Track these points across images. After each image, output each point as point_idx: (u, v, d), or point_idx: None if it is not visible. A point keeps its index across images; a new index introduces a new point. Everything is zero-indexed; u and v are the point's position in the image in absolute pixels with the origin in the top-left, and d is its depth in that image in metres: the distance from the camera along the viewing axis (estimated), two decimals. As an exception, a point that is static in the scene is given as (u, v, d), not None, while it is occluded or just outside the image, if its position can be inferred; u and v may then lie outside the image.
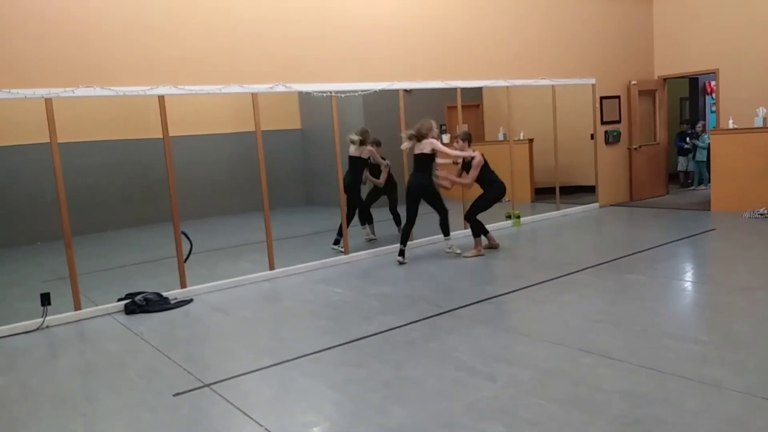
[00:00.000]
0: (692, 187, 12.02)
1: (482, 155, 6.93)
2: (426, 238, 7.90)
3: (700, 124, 12.17)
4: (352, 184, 7.65)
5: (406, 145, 6.83)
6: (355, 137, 7.60)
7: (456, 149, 6.98)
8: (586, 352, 3.87)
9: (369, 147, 7.72)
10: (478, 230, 7.05)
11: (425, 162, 6.78)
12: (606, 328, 4.34)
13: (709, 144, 11.48)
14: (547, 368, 3.70)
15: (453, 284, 6.02)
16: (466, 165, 6.99)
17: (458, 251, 7.03)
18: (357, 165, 7.70)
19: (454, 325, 4.61)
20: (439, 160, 7.08)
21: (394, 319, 4.81)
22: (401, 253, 6.85)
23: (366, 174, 7.92)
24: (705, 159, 11.74)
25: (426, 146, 6.71)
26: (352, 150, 7.66)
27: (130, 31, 5.78)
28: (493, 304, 5.14)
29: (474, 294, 5.43)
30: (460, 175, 7.13)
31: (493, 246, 7.22)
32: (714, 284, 5.45)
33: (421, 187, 6.79)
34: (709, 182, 11.58)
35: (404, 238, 6.94)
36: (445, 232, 7.05)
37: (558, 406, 3.16)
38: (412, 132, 6.74)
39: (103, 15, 5.64)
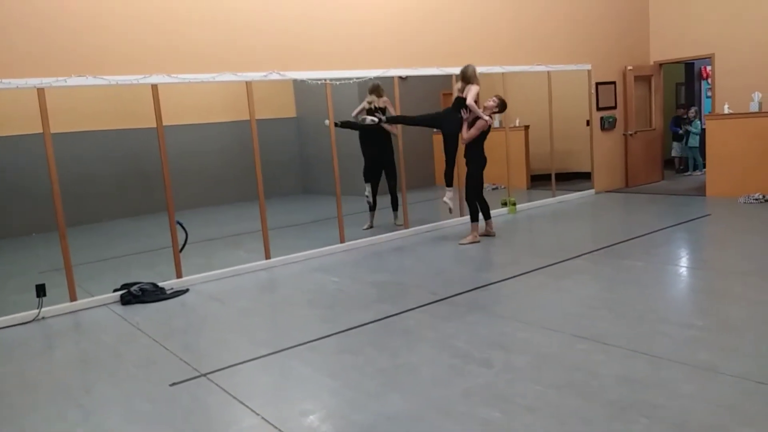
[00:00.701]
0: (687, 173, 12.02)
1: (489, 125, 6.87)
2: (421, 226, 7.90)
3: (692, 110, 12.15)
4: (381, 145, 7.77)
5: (458, 86, 7.03)
6: (370, 97, 7.68)
7: (489, 105, 6.99)
8: (581, 337, 3.88)
9: (384, 98, 7.70)
10: (477, 214, 6.98)
11: (463, 106, 6.84)
12: (602, 313, 4.35)
13: (702, 129, 11.52)
14: (543, 354, 3.71)
15: (449, 271, 6.02)
16: (471, 123, 6.88)
17: (451, 205, 7.10)
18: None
19: (450, 312, 4.62)
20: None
21: (391, 307, 4.81)
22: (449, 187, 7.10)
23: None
24: (698, 144, 11.75)
25: (467, 92, 6.81)
26: (368, 105, 7.67)
27: (123, 19, 5.73)
28: (489, 291, 5.14)
29: (470, 281, 5.44)
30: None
31: (488, 234, 7.21)
32: (709, 269, 5.47)
33: (457, 127, 6.91)
34: (704, 167, 11.62)
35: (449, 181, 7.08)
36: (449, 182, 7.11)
37: (554, 392, 3.17)
38: (460, 78, 6.94)
39: (95, 3, 5.58)
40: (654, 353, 3.55)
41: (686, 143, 12.06)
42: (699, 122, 11.83)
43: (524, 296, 5.07)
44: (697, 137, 11.75)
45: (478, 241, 6.96)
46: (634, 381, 3.22)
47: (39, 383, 3.89)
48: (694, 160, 12.02)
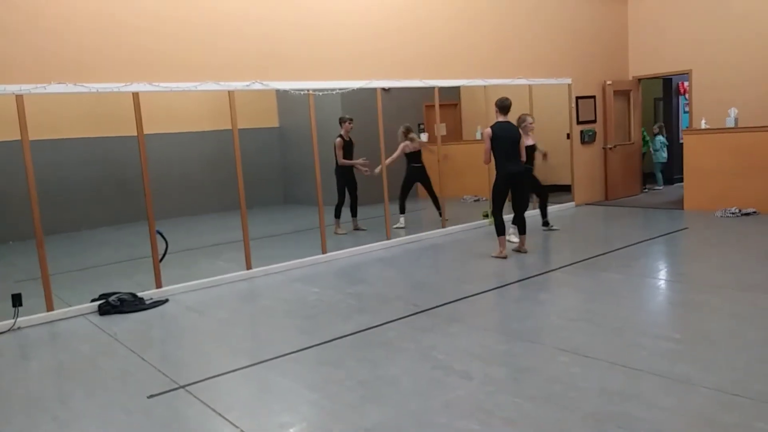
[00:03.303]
0: (657, 187, 12.06)
1: (491, 129, 6.53)
2: (403, 237, 7.92)
3: (656, 126, 12.29)
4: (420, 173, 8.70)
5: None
6: (414, 135, 8.62)
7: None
8: (561, 350, 3.91)
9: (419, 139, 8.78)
10: (500, 229, 6.66)
11: (529, 152, 7.38)
12: (581, 326, 4.38)
13: (664, 145, 11.72)
14: (522, 366, 3.73)
15: (430, 283, 6.03)
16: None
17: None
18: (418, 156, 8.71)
19: (430, 324, 4.62)
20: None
21: (371, 319, 4.81)
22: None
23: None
24: (662, 160, 11.91)
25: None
26: (412, 146, 8.62)
27: (105, 26, 5.69)
28: (470, 303, 5.16)
29: (451, 293, 5.45)
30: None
31: (521, 250, 6.87)
32: (686, 282, 5.54)
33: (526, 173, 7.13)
34: (663, 184, 11.83)
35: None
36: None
37: (533, 404, 3.19)
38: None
39: (76, 10, 5.54)
40: (632, 365, 3.58)
41: (652, 158, 12.19)
42: (663, 137, 11.94)
43: (505, 308, 5.10)
44: (660, 153, 11.87)
45: (504, 257, 6.59)
46: (613, 393, 3.24)
47: (13, 394, 3.82)
48: (655, 176, 12.13)
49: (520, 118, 7.59)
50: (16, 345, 4.86)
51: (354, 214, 8.72)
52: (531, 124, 7.73)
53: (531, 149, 7.64)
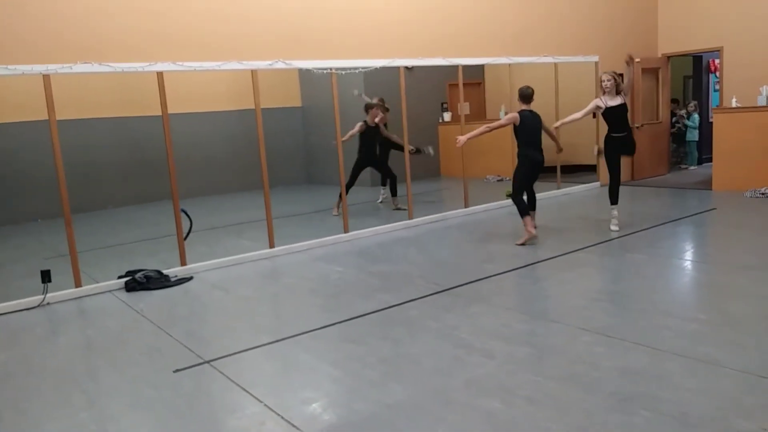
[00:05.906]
0: (685, 166, 11.91)
1: (518, 115, 6.39)
2: (425, 217, 7.90)
3: (691, 104, 12.07)
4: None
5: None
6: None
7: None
8: (584, 329, 3.88)
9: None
10: (522, 209, 6.44)
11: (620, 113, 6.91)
12: (605, 306, 4.35)
13: (700, 123, 11.52)
14: (544, 345, 3.72)
15: (452, 262, 6.02)
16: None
17: (615, 227, 6.78)
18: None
19: (452, 303, 4.63)
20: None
21: (393, 297, 4.82)
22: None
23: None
24: (696, 139, 11.73)
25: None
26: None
27: (129, 6, 5.72)
28: (493, 283, 5.14)
29: (473, 272, 5.44)
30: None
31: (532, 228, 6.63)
32: (713, 263, 5.46)
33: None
34: (698, 163, 11.64)
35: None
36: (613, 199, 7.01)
37: (555, 383, 3.18)
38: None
39: (100, -10, 5.59)
40: (656, 346, 3.55)
41: (684, 137, 12.01)
42: (697, 116, 11.77)
43: (527, 288, 5.07)
44: (695, 131, 11.70)
45: (535, 236, 6.39)
46: (636, 373, 3.22)
47: (43, 368, 3.91)
48: (689, 155, 11.97)
49: (600, 78, 6.88)
50: (46, 320, 4.97)
51: (393, 193, 8.64)
52: (605, 83, 6.76)
53: (621, 109, 6.86)
